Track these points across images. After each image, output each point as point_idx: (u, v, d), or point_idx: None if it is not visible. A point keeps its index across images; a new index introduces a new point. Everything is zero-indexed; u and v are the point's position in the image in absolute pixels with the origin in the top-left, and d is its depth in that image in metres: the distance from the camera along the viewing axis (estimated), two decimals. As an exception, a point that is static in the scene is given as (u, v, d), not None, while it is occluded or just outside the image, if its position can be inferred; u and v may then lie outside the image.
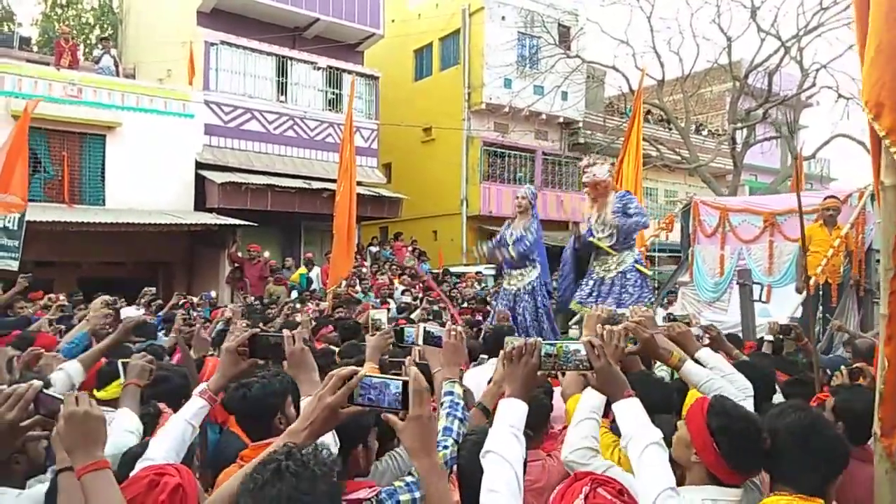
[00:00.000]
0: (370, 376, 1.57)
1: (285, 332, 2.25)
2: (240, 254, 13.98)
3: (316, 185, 15.49)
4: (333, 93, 17.64)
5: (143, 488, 1.68)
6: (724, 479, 2.01)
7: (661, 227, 9.84)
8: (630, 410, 1.92)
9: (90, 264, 14.27)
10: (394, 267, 15.71)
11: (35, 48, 21.21)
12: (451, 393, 2.32)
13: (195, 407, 2.13)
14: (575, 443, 2.24)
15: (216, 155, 15.40)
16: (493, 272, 16.59)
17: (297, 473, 1.29)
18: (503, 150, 21.32)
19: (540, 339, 1.99)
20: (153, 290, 9.69)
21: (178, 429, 2.07)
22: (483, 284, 15.04)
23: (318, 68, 17.28)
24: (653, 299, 7.02)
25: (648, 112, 21.46)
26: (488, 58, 20.05)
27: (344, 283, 10.57)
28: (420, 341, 2.79)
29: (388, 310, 8.46)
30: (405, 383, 1.56)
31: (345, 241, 8.46)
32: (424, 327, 2.85)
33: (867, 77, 1.91)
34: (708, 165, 18.95)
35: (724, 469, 2.00)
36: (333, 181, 11.33)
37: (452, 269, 16.76)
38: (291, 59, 16.88)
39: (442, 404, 2.28)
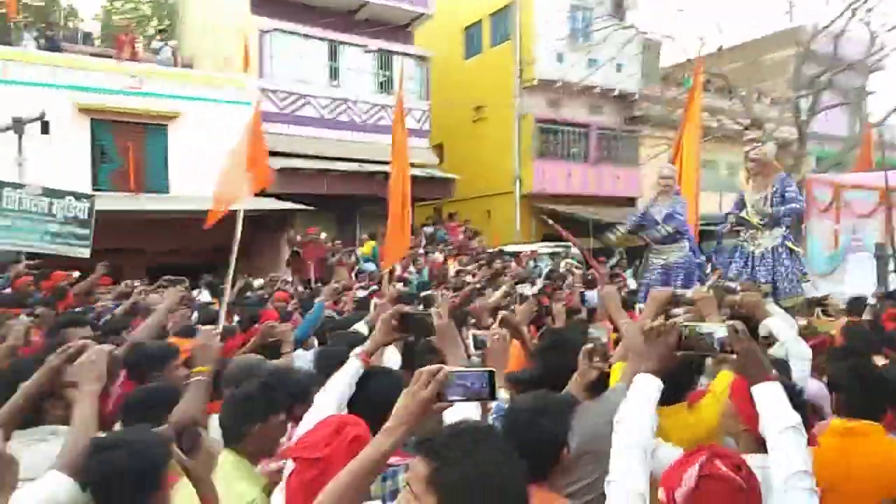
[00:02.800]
0: (455, 371, 1.62)
1: (433, 309, 2.46)
2: (298, 238, 14.23)
3: (370, 167, 15.61)
4: (384, 75, 17.68)
5: (330, 431, 1.91)
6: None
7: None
8: (770, 393, 1.95)
9: (156, 252, 14.75)
10: (449, 247, 15.74)
11: (97, 42, 21.90)
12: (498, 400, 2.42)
13: (353, 368, 2.36)
14: None
15: (273, 141, 15.63)
16: (549, 250, 16.47)
17: (492, 446, 1.39)
18: (556, 127, 21.00)
19: (680, 319, 2.10)
20: (210, 276, 10.01)
21: (341, 387, 2.32)
22: (537, 263, 14.93)
23: (369, 51, 17.33)
24: (805, 271, 7.10)
25: (708, 81, 20.76)
26: (540, 32, 19.72)
27: (399, 265, 10.67)
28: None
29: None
30: (490, 372, 1.61)
31: (399, 222, 8.51)
32: (473, 334, 3.03)
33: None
34: (771, 135, 18.26)
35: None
36: (387, 163, 11.40)
37: (507, 249, 16.68)
38: (343, 43, 16.98)
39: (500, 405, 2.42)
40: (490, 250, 16.25)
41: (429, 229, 17.61)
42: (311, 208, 14.42)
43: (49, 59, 13.67)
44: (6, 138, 12.66)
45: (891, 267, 6.97)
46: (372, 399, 2.25)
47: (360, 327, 4.19)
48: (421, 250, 14.85)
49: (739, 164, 24.11)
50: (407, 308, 2.59)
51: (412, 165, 9.78)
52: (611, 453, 1.87)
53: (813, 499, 1.77)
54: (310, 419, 2.20)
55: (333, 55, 16.90)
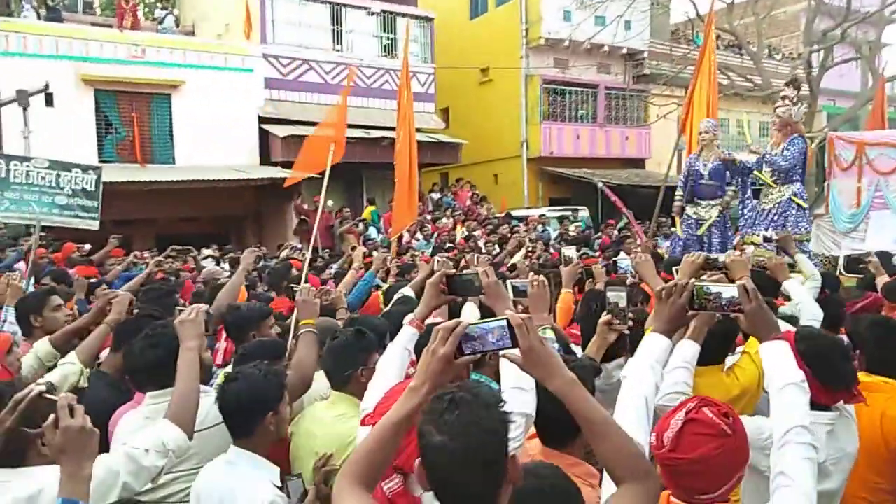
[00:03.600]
0: (472, 324, 1.62)
1: (478, 268, 2.45)
2: (305, 206, 14.21)
3: (375, 133, 15.51)
4: (388, 38, 17.44)
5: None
6: (818, 400, 2.10)
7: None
8: (777, 351, 2.00)
9: (165, 221, 14.79)
10: (456, 212, 15.69)
11: (98, 11, 21.66)
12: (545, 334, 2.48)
13: (408, 334, 2.50)
14: (667, 388, 2.33)
15: (277, 108, 15.56)
16: (557, 214, 16.40)
17: (471, 401, 1.42)
18: (564, 87, 20.72)
19: (694, 280, 2.15)
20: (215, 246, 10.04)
21: (399, 354, 2.47)
22: (545, 228, 14.87)
23: (373, 13, 17.08)
24: (809, 229, 7.60)
25: (717, 37, 20.33)
26: (546, -11, 19.34)
27: (406, 232, 10.64)
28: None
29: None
30: (508, 322, 1.58)
31: (406, 189, 8.45)
32: (511, 283, 3.25)
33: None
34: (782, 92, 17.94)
35: (816, 389, 2.07)
36: (392, 129, 11.30)
37: (515, 213, 16.61)
38: (345, 5, 16.71)
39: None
40: (497, 215, 16.20)
41: (435, 195, 17.55)
42: (318, 175, 14.33)
43: (51, 30, 13.55)
44: (11, 111, 12.63)
45: None
46: None
47: (407, 291, 4.39)
48: (428, 217, 14.81)
49: (750, 121, 23.85)
50: (452, 270, 2.66)
51: (418, 131, 9.72)
52: (616, 407, 1.92)
53: (810, 452, 1.79)
54: (374, 385, 2.36)
55: (336, 19, 16.65)
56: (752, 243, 7.15)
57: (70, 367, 3.07)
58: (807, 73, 17.99)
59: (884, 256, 6.65)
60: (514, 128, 20.33)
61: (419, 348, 2.36)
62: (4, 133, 13.15)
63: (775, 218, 7.21)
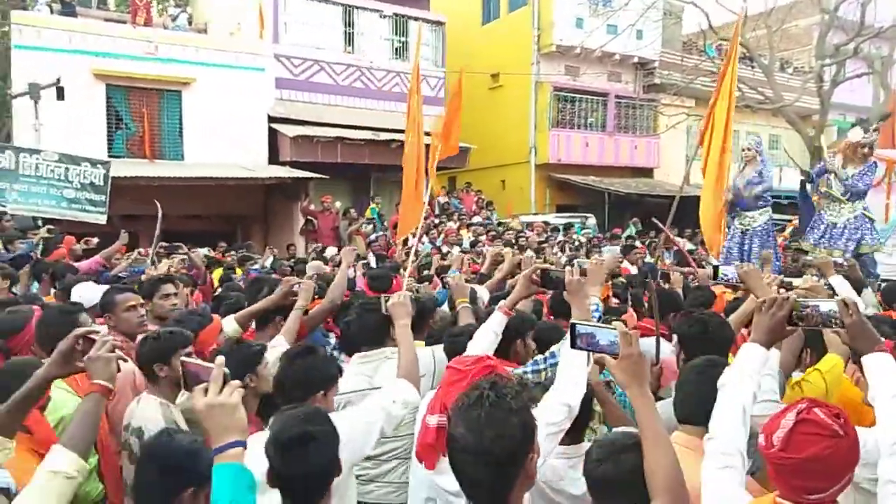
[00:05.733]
0: (583, 324, 2.00)
1: (567, 267, 2.81)
2: (312, 206, 14.22)
3: (384, 136, 15.53)
4: (400, 41, 17.47)
5: (475, 359, 2.42)
6: None
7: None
8: (881, 363, 2.04)
9: (172, 218, 14.77)
10: (462, 217, 15.68)
11: (112, 7, 21.76)
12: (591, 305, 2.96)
13: (498, 319, 2.93)
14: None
15: (287, 108, 15.59)
16: (563, 221, 16.36)
17: (495, 403, 1.54)
18: (574, 95, 20.71)
19: (795, 295, 2.23)
20: (204, 250, 10.08)
21: (489, 336, 2.89)
22: (549, 234, 14.83)
23: (385, 16, 17.11)
24: (882, 240, 8.21)
25: (727, 50, 20.32)
26: (559, -4, 19.35)
27: (412, 235, 10.60)
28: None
29: None
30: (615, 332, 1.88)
31: (413, 192, 8.42)
32: (577, 261, 3.61)
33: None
34: (793, 105, 17.87)
35: None
36: (402, 132, 11.30)
37: (522, 219, 16.59)
38: (358, 7, 16.76)
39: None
40: (504, 221, 16.18)
41: (442, 199, 17.54)
42: (325, 177, 14.39)
43: (64, 24, 13.61)
44: (23, 104, 12.70)
45: None
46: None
47: (483, 292, 5.00)
48: (435, 220, 14.80)
49: (760, 134, 23.75)
50: (546, 265, 3.12)
51: (427, 134, 9.68)
52: (712, 413, 2.01)
53: None
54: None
55: (348, 20, 16.70)
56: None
57: (283, 347, 3.35)
58: (818, 88, 17.94)
59: None
60: (523, 134, 20.32)
61: (506, 332, 2.99)
62: (15, 125, 13.23)
63: (853, 231, 7.78)
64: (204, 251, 10.04)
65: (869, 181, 7.86)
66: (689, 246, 10.28)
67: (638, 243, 13.37)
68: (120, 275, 6.60)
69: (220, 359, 1.76)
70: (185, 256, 7.69)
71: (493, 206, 17.89)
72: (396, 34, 17.44)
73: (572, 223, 16.23)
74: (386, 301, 3.11)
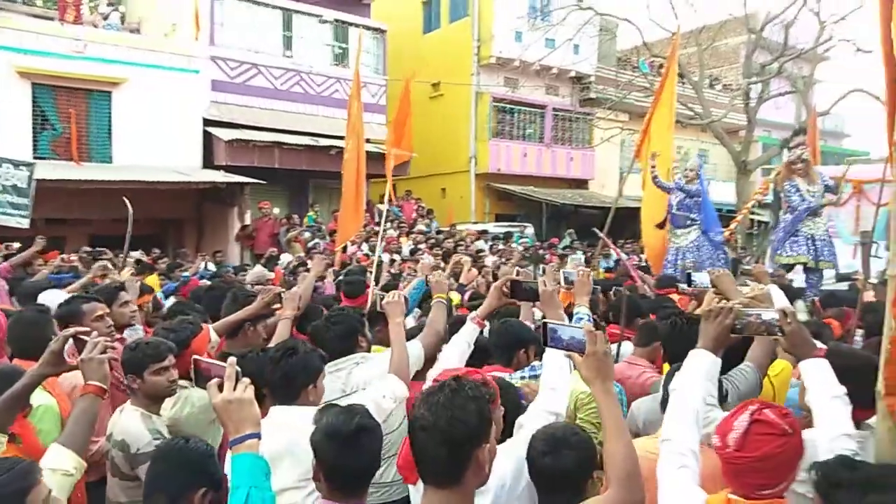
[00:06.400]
0: (553, 323, 2.10)
1: (539, 278, 2.93)
2: (248, 223, 13.96)
3: (324, 142, 15.38)
4: (340, 47, 17.36)
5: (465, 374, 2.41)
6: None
7: (760, 192, 11.03)
8: (818, 368, 2.21)
9: (101, 222, 14.29)
10: (402, 225, 15.66)
11: (38, 3, 20.88)
12: (581, 315, 3.21)
13: (470, 330, 2.99)
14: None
15: (223, 111, 15.27)
16: (503, 231, 16.54)
17: (456, 390, 1.68)
18: (513, 106, 21.01)
19: (739, 304, 2.34)
20: (138, 253, 9.81)
21: (462, 346, 2.94)
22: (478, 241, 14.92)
23: (325, 21, 16.98)
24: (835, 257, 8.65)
25: (660, 66, 21.02)
26: (498, 9, 19.61)
27: (349, 243, 10.54)
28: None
29: None
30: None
31: (353, 199, 8.39)
32: (563, 272, 4.06)
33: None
34: (721, 121, 18.59)
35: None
36: (341, 138, 11.23)
37: (461, 227, 16.70)
38: (297, 11, 16.57)
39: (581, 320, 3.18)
40: (442, 229, 16.23)
41: (382, 206, 17.44)
42: (262, 182, 14.13)
43: (-15, 19, 12.98)
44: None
45: (873, 252, 8.05)
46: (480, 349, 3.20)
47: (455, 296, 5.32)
48: (376, 227, 14.73)
49: (689, 148, 24.59)
50: (516, 276, 3.35)
51: (368, 141, 9.65)
52: (664, 417, 2.14)
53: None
54: (434, 374, 2.76)
55: (287, 24, 16.49)
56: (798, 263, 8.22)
57: None
58: (745, 105, 18.72)
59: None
60: (463, 143, 20.47)
61: (509, 342, 3.21)
62: (-69, 123, 12.52)
63: (829, 243, 8.33)
64: (137, 254, 9.72)
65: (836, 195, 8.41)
66: (622, 256, 10.53)
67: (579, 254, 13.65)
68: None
69: (232, 359, 1.88)
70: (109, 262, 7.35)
71: (434, 214, 17.93)
72: (337, 40, 17.32)
73: (512, 232, 16.42)
74: (381, 299, 3.33)
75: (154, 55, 14.47)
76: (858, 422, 2.27)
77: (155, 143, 14.10)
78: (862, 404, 2.25)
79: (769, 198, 9.34)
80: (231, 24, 15.64)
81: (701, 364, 2.22)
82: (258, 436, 1.79)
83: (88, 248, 9.26)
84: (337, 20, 17.14)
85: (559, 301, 2.87)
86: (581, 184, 22.68)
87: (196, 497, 2.13)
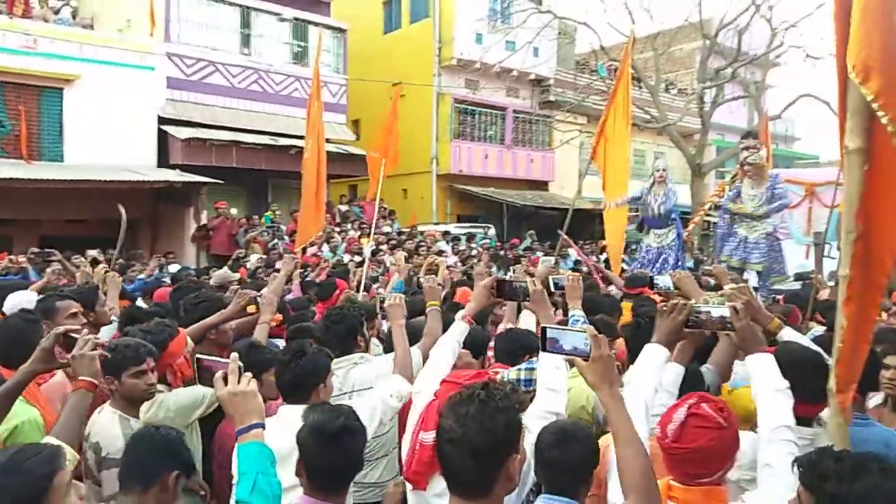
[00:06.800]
0: (553, 328, 2.07)
1: (528, 278, 2.95)
2: (205, 223, 13.71)
3: (283, 141, 15.20)
4: (300, 46, 17.19)
5: (474, 374, 2.48)
6: (799, 413, 2.29)
7: (715, 194, 11.24)
8: (764, 363, 2.30)
9: (51, 222, 13.88)
10: (364, 226, 15.57)
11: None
12: (577, 317, 3.43)
13: (460, 328, 2.95)
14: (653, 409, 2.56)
15: (179, 109, 14.98)
16: (464, 231, 16.59)
17: (485, 401, 1.65)
18: (474, 108, 21.08)
19: (693, 301, 2.50)
20: (95, 252, 9.55)
21: (452, 344, 2.89)
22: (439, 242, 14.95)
23: (284, 20, 16.79)
24: (786, 269, 8.65)
25: (615, 70, 21.32)
26: (459, 11, 19.66)
27: (310, 244, 10.42)
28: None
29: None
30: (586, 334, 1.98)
31: (313, 199, 8.28)
32: (552, 279, 4.11)
33: (854, 41, 1.88)
34: (676, 124, 18.98)
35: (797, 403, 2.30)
36: (301, 137, 11.09)
37: (422, 228, 16.68)
38: (256, 9, 16.36)
39: (577, 322, 3.33)
40: (404, 230, 16.20)
41: (343, 207, 17.36)
42: (219, 182, 13.90)
43: (-73, 10, 12.49)
44: None
45: (826, 252, 8.40)
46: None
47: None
48: (336, 228, 14.64)
49: (646, 151, 25.02)
50: (503, 276, 3.40)
51: (328, 141, 9.55)
52: None
53: (792, 448, 2.07)
54: (426, 373, 2.78)
55: (245, 22, 16.26)
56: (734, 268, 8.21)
57: None
58: (699, 109, 19.14)
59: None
60: (425, 144, 20.45)
61: (517, 348, 3.24)
62: None
63: (764, 249, 8.27)
64: (94, 253, 9.46)
65: (783, 195, 8.40)
66: (583, 257, 10.66)
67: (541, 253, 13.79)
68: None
69: (235, 355, 1.99)
70: (59, 265, 7.10)
71: (395, 215, 17.88)
72: (296, 38, 17.15)
73: (474, 233, 16.48)
74: (382, 301, 3.47)
75: (108, 51, 14.12)
76: (803, 416, 2.36)
77: (108, 142, 13.76)
78: (806, 399, 2.34)
79: (725, 200, 9.60)
80: (188, 20, 15.36)
81: (653, 357, 2.35)
82: (263, 426, 1.89)
83: (37, 250, 8.95)
84: (296, 18, 16.97)
85: (548, 301, 2.96)
86: (541, 185, 22.88)
87: (170, 479, 2.17)
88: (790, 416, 2.17)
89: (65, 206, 13.09)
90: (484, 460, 1.61)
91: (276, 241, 13.09)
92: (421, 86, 20.05)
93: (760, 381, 2.27)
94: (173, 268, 9.51)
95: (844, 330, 2.16)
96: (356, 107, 19.27)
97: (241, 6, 16.07)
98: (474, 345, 3.40)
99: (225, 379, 1.90)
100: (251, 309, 3.87)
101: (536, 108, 22.49)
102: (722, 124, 24.26)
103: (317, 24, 16.87)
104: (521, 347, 3.36)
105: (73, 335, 2.45)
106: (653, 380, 2.29)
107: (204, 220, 13.97)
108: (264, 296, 4.10)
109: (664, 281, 4.03)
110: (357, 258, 11.33)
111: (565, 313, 5.07)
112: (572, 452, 2.12)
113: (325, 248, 12.62)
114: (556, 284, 4.15)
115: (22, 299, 4.20)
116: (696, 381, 2.75)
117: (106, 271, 5.48)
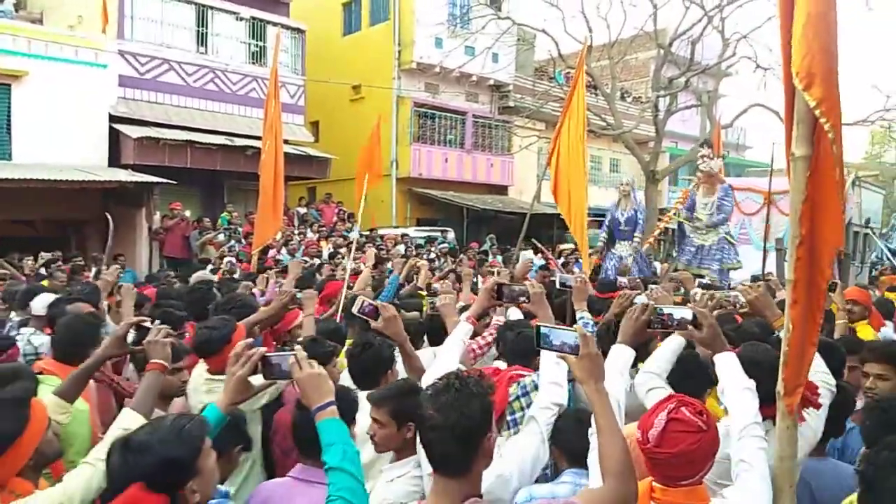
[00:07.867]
0: (546, 326, 2.16)
1: (526, 282, 3.18)
2: (160, 226, 13.42)
3: (239, 141, 15.00)
4: (257, 45, 17.00)
5: (491, 372, 2.83)
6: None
7: (679, 201, 12.11)
8: (729, 362, 2.42)
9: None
10: (322, 228, 15.45)
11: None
12: (586, 320, 3.74)
13: (465, 329, 3.04)
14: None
15: (131, 108, 14.65)
16: (424, 235, 16.57)
17: (461, 389, 1.80)
18: (434, 112, 21.10)
19: (654, 302, 2.65)
20: (49, 254, 9.30)
21: (458, 345, 2.98)
22: (408, 246, 14.97)
23: (241, 19, 16.59)
24: (739, 259, 9.21)
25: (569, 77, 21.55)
26: (419, 15, 19.67)
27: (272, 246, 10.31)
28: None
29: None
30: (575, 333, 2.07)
31: (271, 201, 8.18)
32: (558, 278, 4.42)
33: (797, 49, 1.93)
34: (632, 132, 19.27)
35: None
36: (258, 138, 10.96)
37: (381, 231, 16.62)
38: (212, 7, 16.12)
39: (587, 325, 3.68)
40: (364, 233, 16.10)
41: (301, 210, 17.19)
42: (172, 182, 13.62)
43: None
44: None
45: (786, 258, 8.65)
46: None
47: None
48: (295, 231, 14.48)
49: (602, 158, 25.37)
50: (504, 280, 3.44)
51: (286, 142, 9.46)
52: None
53: (763, 443, 2.17)
54: (434, 371, 2.75)
55: (201, 20, 16.00)
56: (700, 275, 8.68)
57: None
58: (654, 117, 19.49)
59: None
60: (385, 147, 20.33)
61: (529, 347, 3.09)
62: None
63: (716, 253, 8.95)
64: (47, 256, 9.18)
65: (730, 204, 8.93)
66: (541, 262, 10.75)
67: (500, 257, 13.92)
68: None
69: (299, 347, 2.22)
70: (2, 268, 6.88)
71: (355, 218, 17.75)
72: (254, 38, 16.95)
73: (434, 237, 16.47)
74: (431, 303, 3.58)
75: (58, 48, 13.74)
76: (764, 418, 2.38)
77: (58, 140, 13.38)
78: (766, 401, 2.36)
79: (682, 209, 10.05)
80: (141, 17, 15.06)
81: (619, 357, 2.48)
82: (336, 403, 2.08)
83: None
84: (254, 18, 16.78)
85: (546, 302, 3.10)
86: (501, 190, 23.02)
87: (234, 452, 2.68)
88: (758, 413, 2.27)
89: (12, 206, 12.66)
90: (464, 443, 1.78)
91: (232, 243, 12.87)
92: (380, 88, 20.00)
93: (727, 380, 2.38)
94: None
95: (791, 333, 2.19)
96: (315, 108, 19.12)
97: (197, 4, 15.83)
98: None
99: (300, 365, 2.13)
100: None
101: (496, 113, 22.63)
102: (675, 132, 24.75)
103: (275, 24, 16.68)
104: (532, 348, 3.41)
105: (147, 325, 2.76)
106: (623, 380, 2.41)
107: (157, 222, 13.66)
108: (304, 291, 4.41)
109: (567, 279, 4.33)
110: (316, 261, 11.25)
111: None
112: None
113: (284, 251, 12.46)
114: (563, 283, 4.32)
115: (46, 300, 4.51)
116: (699, 369, 2.95)
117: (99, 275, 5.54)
